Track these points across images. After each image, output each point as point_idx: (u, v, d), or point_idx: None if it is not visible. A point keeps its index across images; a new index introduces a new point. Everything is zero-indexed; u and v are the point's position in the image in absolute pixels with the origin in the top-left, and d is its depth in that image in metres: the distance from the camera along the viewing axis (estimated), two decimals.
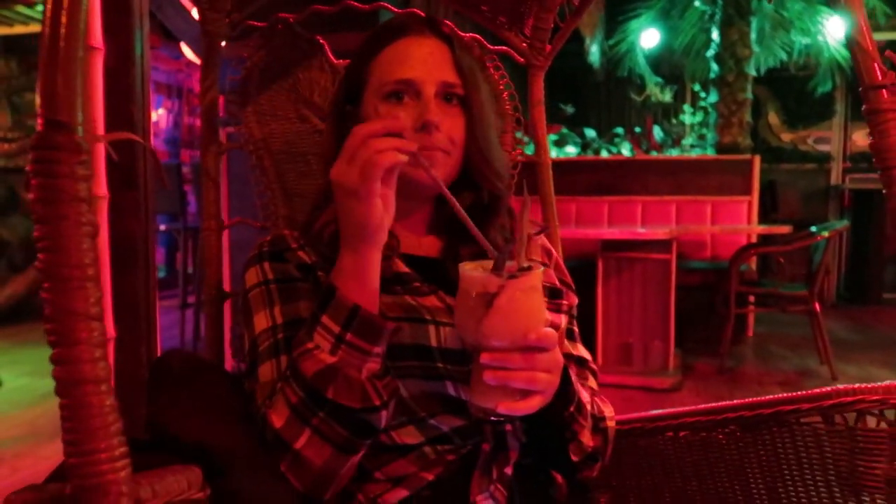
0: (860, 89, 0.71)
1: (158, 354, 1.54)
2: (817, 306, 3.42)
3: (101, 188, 1.39)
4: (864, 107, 0.71)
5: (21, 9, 4.66)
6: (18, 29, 4.79)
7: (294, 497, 0.71)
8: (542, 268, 0.70)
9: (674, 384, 3.27)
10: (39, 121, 0.45)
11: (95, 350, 0.46)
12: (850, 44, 0.71)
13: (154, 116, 6.58)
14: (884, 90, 0.69)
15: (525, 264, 0.68)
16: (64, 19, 0.46)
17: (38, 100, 0.45)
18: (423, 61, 0.82)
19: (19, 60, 4.81)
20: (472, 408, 0.70)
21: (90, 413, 0.45)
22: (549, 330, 0.67)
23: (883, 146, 0.69)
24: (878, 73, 0.69)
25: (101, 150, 1.38)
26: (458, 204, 0.71)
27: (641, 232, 3.35)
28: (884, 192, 0.70)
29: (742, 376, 3.57)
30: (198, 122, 7.97)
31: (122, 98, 1.43)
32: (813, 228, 3.40)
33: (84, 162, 0.46)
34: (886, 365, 3.77)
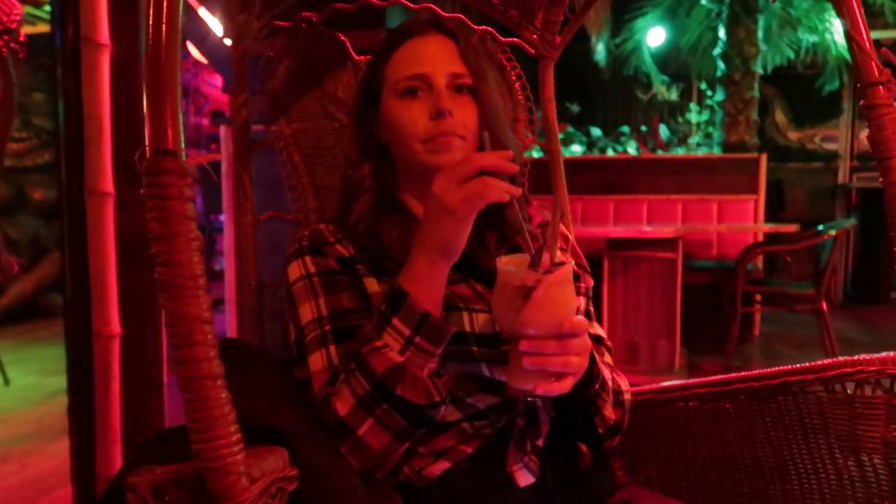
0: (857, 86, 0.76)
1: (164, 353, 1.55)
2: (824, 305, 3.41)
3: (108, 185, 1.38)
4: (861, 102, 0.76)
5: (29, 9, 4.67)
6: (27, 29, 4.79)
7: (353, 469, 0.77)
8: (573, 262, 0.75)
9: None
10: (148, 149, 0.51)
11: (210, 350, 0.51)
12: (848, 42, 0.76)
13: None
14: (880, 87, 0.74)
15: (556, 260, 0.74)
16: (163, 56, 0.51)
17: (146, 129, 0.51)
18: (432, 56, 0.89)
19: (27, 60, 4.81)
20: (510, 390, 0.75)
21: (209, 405, 0.51)
22: (580, 318, 0.73)
23: (879, 138, 0.75)
24: (875, 70, 0.74)
25: (107, 146, 1.38)
26: (518, 213, 0.77)
27: (647, 231, 3.35)
28: (880, 180, 0.76)
29: None
30: (204, 122, 7.92)
31: (130, 96, 1.43)
32: (820, 227, 3.39)
33: (189, 184, 0.52)
34: None
